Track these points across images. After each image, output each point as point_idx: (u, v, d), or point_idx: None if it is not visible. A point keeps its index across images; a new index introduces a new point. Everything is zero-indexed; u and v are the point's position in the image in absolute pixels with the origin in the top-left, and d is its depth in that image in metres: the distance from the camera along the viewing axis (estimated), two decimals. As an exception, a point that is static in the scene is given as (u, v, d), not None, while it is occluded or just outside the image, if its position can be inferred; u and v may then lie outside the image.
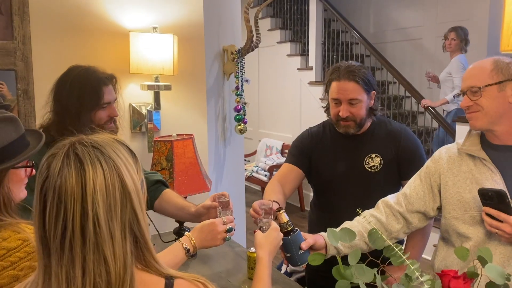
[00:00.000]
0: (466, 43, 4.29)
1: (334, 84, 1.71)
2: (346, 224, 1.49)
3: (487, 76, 1.30)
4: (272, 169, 5.57)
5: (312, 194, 1.97)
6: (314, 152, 1.83)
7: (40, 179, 0.75)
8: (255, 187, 6.35)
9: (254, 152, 6.54)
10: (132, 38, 2.11)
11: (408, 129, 1.85)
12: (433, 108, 4.40)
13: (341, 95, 1.69)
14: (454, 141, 1.98)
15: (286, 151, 6.04)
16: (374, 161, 1.75)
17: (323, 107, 1.87)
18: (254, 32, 2.62)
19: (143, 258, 0.80)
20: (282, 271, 2.33)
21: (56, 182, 0.73)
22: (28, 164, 1.16)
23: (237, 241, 2.09)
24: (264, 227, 1.34)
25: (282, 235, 1.33)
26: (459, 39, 4.24)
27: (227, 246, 2.10)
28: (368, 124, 1.78)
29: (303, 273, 2.12)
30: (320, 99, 5.46)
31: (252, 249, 1.85)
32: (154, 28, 2.21)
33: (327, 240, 1.43)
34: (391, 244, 0.96)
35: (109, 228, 0.74)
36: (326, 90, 1.78)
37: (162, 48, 2.08)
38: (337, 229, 1.37)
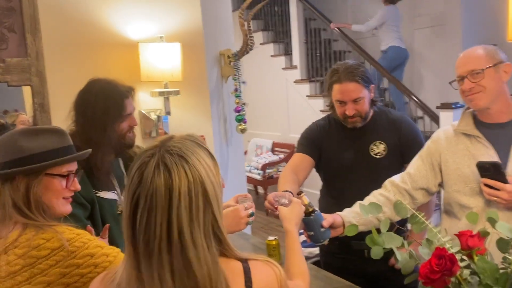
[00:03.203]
0: None
1: (336, 87, 1.82)
2: (358, 203, 1.63)
3: (485, 60, 1.46)
4: (265, 167, 5.70)
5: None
6: (323, 143, 1.96)
7: (132, 185, 0.82)
8: (248, 187, 6.48)
9: (245, 153, 6.66)
10: (142, 48, 2.22)
11: (407, 117, 2.00)
12: (416, 97, 4.61)
13: (345, 97, 1.81)
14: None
15: (277, 149, 6.19)
16: (379, 148, 1.89)
17: (327, 105, 2.00)
18: (249, 36, 2.76)
19: (225, 252, 0.87)
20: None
21: (148, 191, 0.79)
22: (65, 174, 1.19)
23: (246, 234, 2.22)
24: (285, 203, 1.44)
25: (304, 208, 1.44)
26: None
27: (242, 239, 2.23)
28: (370, 114, 1.92)
29: (318, 258, 2.26)
30: (306, 96, 5.64)
31: (270, 237, 1.98)
32: (161, 37, 2.32)
33: (344, 218, 1.58)
34: (414, 212, 1.10)
35: (192, 237, 0.80)
36: (328, 92, 1.90)
37: (170, 56, 2.20)
38: (356, 207, 1.55)
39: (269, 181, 5.70)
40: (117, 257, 1.16)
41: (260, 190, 6.18)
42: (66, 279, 1.08)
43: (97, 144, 1.32)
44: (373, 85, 1.88)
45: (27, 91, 2.15)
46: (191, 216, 0.80)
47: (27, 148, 1.14)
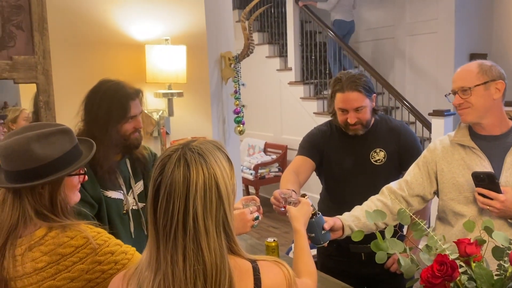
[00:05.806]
0: None
1: (339, 96, 1.88)
2: (357, 208, 1.70)
3: (475, 78, 1.53)
4: (257, 167, 5.75)
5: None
6: (325, 148, 2.01)
7: (155, 174, 0.91)
8: (240, 187, 6.54)
9: (237, 152, 6.72)
10: (148, 50, 2.26)
11: (406, 125, 2.07)
12: (409, 103, 4.70)
13: (347, 105, 1.87)
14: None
15: (269, 149, 6.25)
16: (379, 155, 1.95)
17: (329, 112, 2.06)
18: (250, 39, 2.81)
19: (232, 249, 0.95)
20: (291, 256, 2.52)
21: (168, 181, 0.88)
22: (81, 172, 1.27)
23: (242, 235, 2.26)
24: (294, 202, 1.50)
25: (311, 209, 1.49)
26: None
27: (240, 240, 2.28)
28: (372, 122, 1.98)
29: (315, 259, 2.32)
30: (300, 98, 5.71)
31: (269, 239, 2.03)
32: (166, 39, 2.36)
33: (344, 222, 1.63)
34: (416, 219, 1.17)
35: (205, 225, 0.88)
36: (331, 100, 1.96)
37: (176, 58, 2.24)
38: (355, 212, 1.62)
39: (261, 181, 5.76)
40: (134, 255, 1.21)
41: (252, 190, 6.24)
42: (88, 275, 1.13)
43: (99, 142, 1.36)
44: (374, 95, 1.95)
45: (23, 86, 2.16)
46: (205, 207, 0.89)
47: (43, 155, 1.15)
